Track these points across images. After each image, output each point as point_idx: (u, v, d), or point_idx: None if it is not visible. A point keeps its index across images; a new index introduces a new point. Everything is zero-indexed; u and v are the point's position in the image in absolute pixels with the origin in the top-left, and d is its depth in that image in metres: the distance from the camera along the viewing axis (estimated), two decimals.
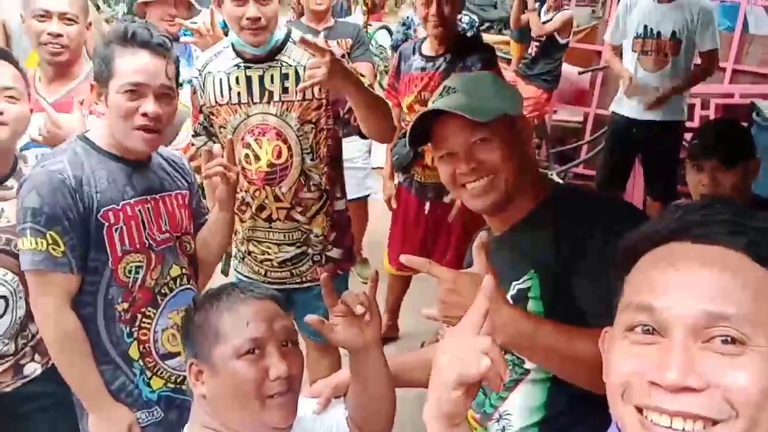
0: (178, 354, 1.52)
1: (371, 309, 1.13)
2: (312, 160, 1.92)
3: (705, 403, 0.58)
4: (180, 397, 1.54)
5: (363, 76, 1.85)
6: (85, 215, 1.40)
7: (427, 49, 2.67)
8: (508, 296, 1.10)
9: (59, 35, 1.88)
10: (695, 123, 4.28)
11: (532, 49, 4.88)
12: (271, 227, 1.98)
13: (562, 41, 4.78)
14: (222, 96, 1.89)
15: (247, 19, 1.76)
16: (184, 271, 1.57)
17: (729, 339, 0.58)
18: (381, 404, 1.19)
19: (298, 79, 1.83)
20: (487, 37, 5.34)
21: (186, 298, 1.52)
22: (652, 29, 3.35)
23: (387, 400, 1.19)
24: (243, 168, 1.91)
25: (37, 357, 1.58)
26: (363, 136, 1.98)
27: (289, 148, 1.89)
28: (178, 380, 1.55)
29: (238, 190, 1.89)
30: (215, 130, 1.95)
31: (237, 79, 1.87)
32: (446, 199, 2.54)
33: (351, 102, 1.79)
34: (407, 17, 4.01)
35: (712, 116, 4.63)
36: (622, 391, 0.62)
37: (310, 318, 1.14)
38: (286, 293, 1.96)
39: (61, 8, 1.89)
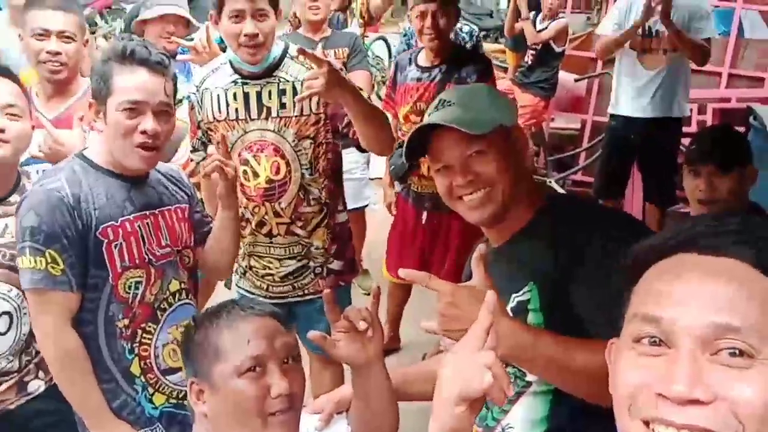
0: (179, 369, 1.51)
1: (373, 324, 1.14)
2: (311, 174, 1.92)
3: (711, 416, 0.57)
4: (182, 413, 1.54)
5: (361, 90, 1.86)
6: (84, 233, 1.40)
7: (423, 60, 2.69)
8: (508, 308, 1.10)
9: (58, 53, 1.91)
10: (693, 128, 4.29)
11: (528, 57, 4.91)
12: (271, 242, 1.97)
13: (558, 49, 4.81)
14: (219, 112, 1.90)
15: (245, 35, 1.77)
16: (183, 285, 1.57)
17: (737, 351, 0.58)
18: (383, 419, 1.19)
19: (295, 95, 1.84)
20: (484, 46, 5.37)
21: (185, 313, 1.53)
22: (650, 27, 3.37)
23: (389, 415, 1.19)
24: (242, 184, 1.91)
25: (41, 374, 1.58)
26: (362, 150, 1.99)
27: (288, 164, 1.89)
28: (180, 396, 1.54)
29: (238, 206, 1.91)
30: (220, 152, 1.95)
31: (234, 95, 1.88)
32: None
33: (349, 113, 1.79)
34: (408, 27, 4.03)
35: (709, 121, 4.65)
36: (628, 403, 0.62)
37: (313, 334, 1.14)
38: (288, 307, 1.97)
39: (59, 27, 1.92)
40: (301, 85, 1.77)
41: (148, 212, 1.50)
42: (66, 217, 1.38)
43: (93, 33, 5.74)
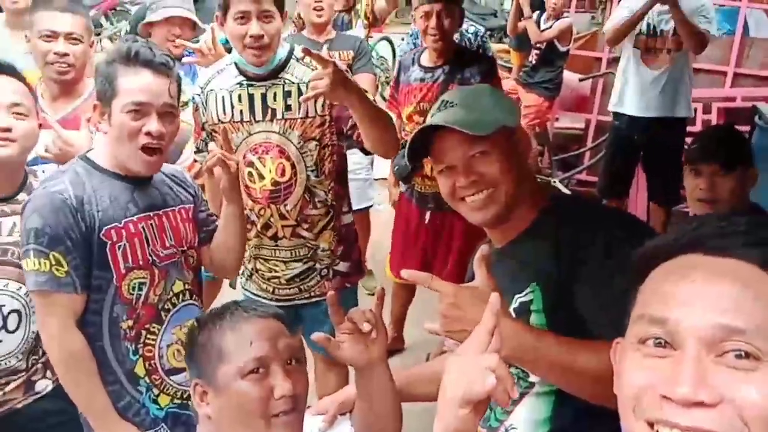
0: (183, 370, 1.51)
1: (377, 326, 1.14)
2: (316, 176, 1.91)
3: (717, 418, 0.57)
4: (186, 413, 1.54)
5: (366, 92, 1.86)
6: (87, 234, 1.41)
7: (426, 60, 2.69)
8: (511, 309, 1.10)
9: (66, 54, 1.92)
10: (698, 127, 4.28)
11: (533, 57, 4.89)
12: (277, 245, 1.97)
13: (562, 49, 4.79)
14: (224, 113, 1.90)
15: (250, 36, 1.76)
16: (187, 286, 1.57)
17: (742, 353, 0.58)
18: (387, 421, 1.19)
19: (300, 97, 1.83)
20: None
21: (189, 314, 1.54)
22: (654, 27, 3.37)
23: (393, 416, 1.19)
24: (247, 186, 1.91)
25: (48, 374, 1.59)
26: (366, 152, 1.97)
27: (293, 166, 1.88)
28: (185, 396, 1.55)
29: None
30: (222, 147, 1.95)
31: (239, 97, 1.87)
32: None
33: (354, 115, 1.78)
34: (414, 28, 4.03)
35: (714, 120, 4.63)
36: (633, 404, 0.62)
37: (317, 336, 1.14)
38: (294, 309, 1.97)
39: (67, 29, 1.93)
40: (307, 87, 1.76)
41: (152, 213, 1.50)
42: (69, 219, 1.39)
43: (98, 34, 5.76)
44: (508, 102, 1.30)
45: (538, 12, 4.84)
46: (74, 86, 1.99)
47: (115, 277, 1.44)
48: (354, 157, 2.96)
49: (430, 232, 2.79)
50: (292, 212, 1.92)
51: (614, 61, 4.56)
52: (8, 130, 1.51)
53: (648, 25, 3.39)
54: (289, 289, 2.01)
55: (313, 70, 1.77)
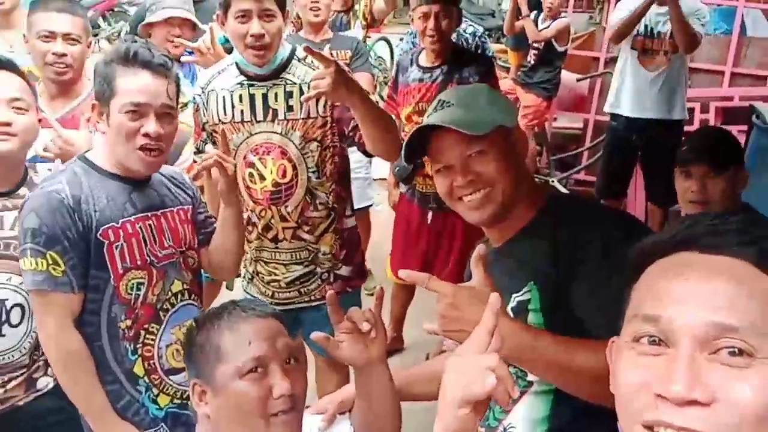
0: (183, 369, 1.50)
1: (376, 326, 1.14)
2: (318, 178, 1.90)
3: (710, 418, 0.57)
4: (186, 413, 1.54)
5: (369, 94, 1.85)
6: (85, 234, 1.41)
7: (424, 60, 2.69)
8: (508, 309, 1.10)
9: (64, 55, 1.93)
10: (695, 127, 4.28)
11: (531, 57, 4.90)
12: (277, 247, 1.95)
13: (560, 49, 4.79)
14: (225, 114, 1.89)
15: (251, 36, 1.75)
16: (185, 286, 1.57)
17: (736, 351, 0.58)
18: (386, 420, 1.19)
19: (302, 96, 1.81)
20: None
21: (188, 314, 1.54)
22: (652, 29, 3.39)
23: (392, 416, 1.19)
24: (248, 187, 1.90)
25: (50, 371, 1.59)
26: (367, 154, 1.95)
27: (294, 167, 1.87)
28: (184, 396, 1.55)
29: (244, 209, 1.89)
30: (220, 149, 1.95)
31: (240, 97, 1.86)
32: None
33: (356, 116, 1.76)
34: (413, 28, 4.02)
35: (712, 119, 4.64)
36: (629, 404, 0.62)
37: (316, 335, 1.14)
38: (294, 313, 1.96)
39: (65, 29, 1.94)
40: (308, 87, 1.74)
41: (149, 214, 1.51)
42: (66, 219, 1.39)
43: (96, 35, 5.77)
44: (505, 101, 1.30)
45: (535, 12, 4.84)
46: (72, 86, 2.00)
47: (112, 277, 1.44)
48: (353, 156, 2.95)
49: (431, 232, 2.79)
50: (293, 214, 1.91)
51: (612, 61, 4.57)
52: (8, 124, 1.51)
53: (645, 26, 3.40)
54: (289, 292, 2.00)
55: (315, 70, 1.75)
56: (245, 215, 1.91)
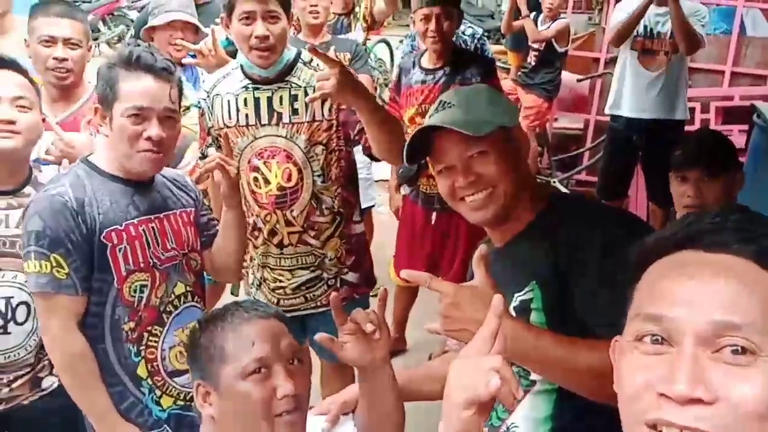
0: (186, 371, 1.52)
1: (380, 327, 1.14)
2: (323, 182, 1.88)
3: (713, 417, 0.57)
4: (190, 415, 1.54)
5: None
6: (88, 237, 1.42)
7: (426, 62, 2.69)
8: (511, 308, 1.11)
9: (65, 59, 1.94)
10: (696, 126, 4.29)
11: (531, 58, 4.90)
12: (282, 253, 1.94)
13: (560, 50, 4.80)
14: (230, 118, 1.88)
15: (255, 37, 1.74)
16: (188, 288, 1.58)
17: (739, 349, 0.58)
18: (389, 420, 1.19)
19: (306, 98, 1.81)
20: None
21: (191, 316, 1.54)
22: (652, 29, 3.39)
23: (395, 416, 1.19)
24: (253, 192, 1.89)
25: (54, 371, 1.59)
26: (374, 158, 1.93)
27: (299, 171, 1.85)
28: (188, 397, 1.55)
29: (249, 214, 1.89)
30: (223, 152, 1.95)
31: (245, 100, 1.85)
32: None
33: (361, 118, 1.74)
34: (413, 30, 4.03)
35: (712, 119, 4.64)
36: (633, 403, 0.62)
37: (320, 336, 1.15)
38: (300, 319, 1.94)
39: (65, 34, 1.95)
40: (314, 90, 1.72)
41: (152, 216, 1.51)
42: (70, 222, 1.40)
43: (96, 39, 5.78)
44: (506, 102, 1.31)
45: (534, 13, 4.85)
46: (73, 90, 2.01)
47: (116, 279, 1.45)
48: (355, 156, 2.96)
49: (436, 233, 2.78)
50: (299, 218, 1.90)
51: (612, 62, 4.56)
52: (12, 122, 1.52)
53: (645, 26, 3.40)
54: (295, 298, 1.98)
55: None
56: (251, 220, 1.90)
